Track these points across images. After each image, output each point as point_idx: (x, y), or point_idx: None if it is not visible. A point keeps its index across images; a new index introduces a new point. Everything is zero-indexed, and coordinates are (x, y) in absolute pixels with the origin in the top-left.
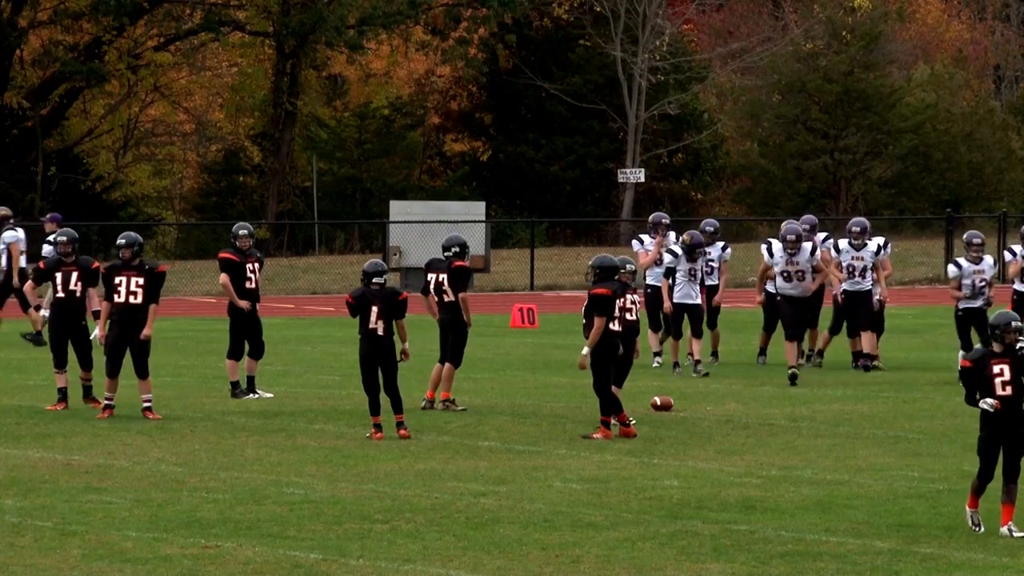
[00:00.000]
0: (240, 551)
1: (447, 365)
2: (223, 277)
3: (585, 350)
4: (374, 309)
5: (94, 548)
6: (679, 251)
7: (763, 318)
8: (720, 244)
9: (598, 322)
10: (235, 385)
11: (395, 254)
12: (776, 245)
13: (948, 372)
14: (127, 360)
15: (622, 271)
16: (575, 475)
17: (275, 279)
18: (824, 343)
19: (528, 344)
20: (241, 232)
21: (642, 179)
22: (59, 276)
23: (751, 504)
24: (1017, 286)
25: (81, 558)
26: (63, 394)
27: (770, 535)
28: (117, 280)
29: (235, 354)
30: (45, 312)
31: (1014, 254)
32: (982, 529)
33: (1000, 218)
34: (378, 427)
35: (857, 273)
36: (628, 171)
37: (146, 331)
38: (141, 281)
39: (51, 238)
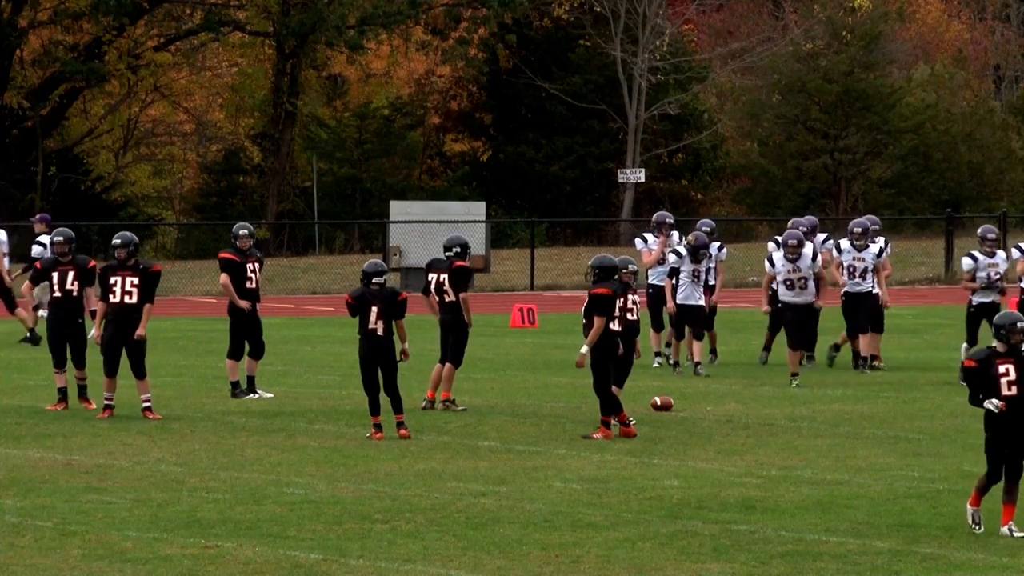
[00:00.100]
0: (240, 551)
1: (447, 365)
2: (223, 277)
3: (584, 349)
4: (374, 309)
5: (94, 548)
6: (683, 251)
7: (768, 319)
8: (716, 244)
9: (598, 322)
10: (235, 385)
11: (395, 254)
12: (777, 255)
13: (948, 372)
14: (125, 361)
15: (623, 271)
16: (575, 475)
17: (275, 279)
18: (843, 340)
19: (528, 344)
20: (241, 232)
21: (642, 179)
22: (56, 276)
23: (751, 504)
24: None
25: (81, 558)
26: (63, 394)
27: (770, 535)
28: (112, 280)
29: (235, 354)
30: (44, 312)
31: (1022, 251)
32: (982, 529)
33: (1000, 218)
34: (378, 427)
35: (858, 274)
36: (628, 171)
37: (140, 331)
38: (136, 281)
39: (40, 238)
